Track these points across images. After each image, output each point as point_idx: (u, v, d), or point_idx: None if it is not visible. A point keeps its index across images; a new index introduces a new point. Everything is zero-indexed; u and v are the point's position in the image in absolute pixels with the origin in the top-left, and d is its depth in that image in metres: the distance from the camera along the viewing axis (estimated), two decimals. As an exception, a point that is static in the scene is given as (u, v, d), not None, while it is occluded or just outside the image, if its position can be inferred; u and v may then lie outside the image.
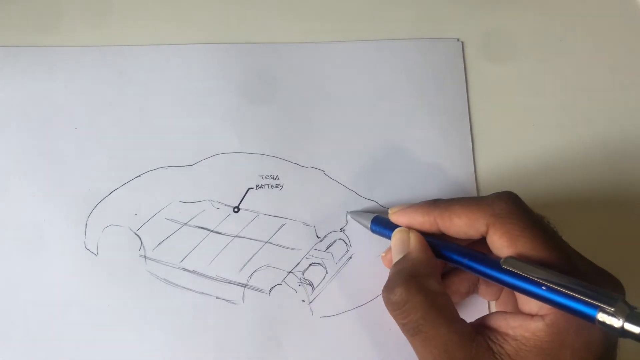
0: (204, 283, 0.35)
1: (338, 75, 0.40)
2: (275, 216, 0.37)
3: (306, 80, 0.40)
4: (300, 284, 0.35)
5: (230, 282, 0.35)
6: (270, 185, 0.37)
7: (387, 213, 0.33)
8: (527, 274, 0.26)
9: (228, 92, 0.39)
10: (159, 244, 0.36)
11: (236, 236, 0.36)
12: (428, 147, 0.39)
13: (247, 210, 0.37)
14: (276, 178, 0.37)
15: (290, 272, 0.35)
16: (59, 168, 0.37)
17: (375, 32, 0.41)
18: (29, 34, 0.40)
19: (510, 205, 0.29)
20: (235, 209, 0.37)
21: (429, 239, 0.31)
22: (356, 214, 0.36)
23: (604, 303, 0.24)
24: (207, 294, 0.35)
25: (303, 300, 0.35)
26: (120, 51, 0.40)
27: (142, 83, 0.39)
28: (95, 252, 0.36)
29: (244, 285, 0.35)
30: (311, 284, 0.35)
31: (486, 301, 0.35)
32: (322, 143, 0.38)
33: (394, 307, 0.29)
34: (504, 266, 0.27)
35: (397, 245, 0.32)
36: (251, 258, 0.36)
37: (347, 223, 0.37)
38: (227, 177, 0.37)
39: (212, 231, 0.36)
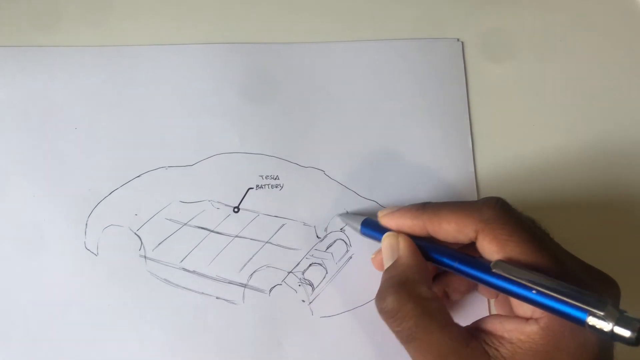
0: (204, 283, 0.35)
1: (338, 75, 0.40)
2: (276, 216, 0.37)
3: (306, 80, 0.40)
4: (300, 284, 0.35)
5: (231, 282, 0.35)
6: (270, 185, 0.37)
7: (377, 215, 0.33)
8: (516, 278, 0.26)
9: (228, 92, 0.39)
10: (159, 244, 0.36)
11: (236, 236, 0.36)
12: (428, 147, 0.39)
13: (247, 210, 0.37)
14: (276, 178, 0.37)
15: (290, 272, 0.36)
16: (59, 168, 0.37)
17: (376, 32, 0.41)
18: (29, 34, 0.40)
19: (498, 211, 0.29)
20: (236, 209, 0.37)
21: (419, 242, 0.31)
22: (346, 216, 0.36)
23: (593, 307, 0.24)
24: (207, 294, 0.35)
25: (303, 300, 0.35)
26: (120, 51, 0.40)
27: (142, 83, 0.39)
28: (96, 252, 0.36)
29: (244, 285, 0.35)
30: (311, 284, 0.35)
31: (486, 304, 0.35)
32: (322, 143, 0.38)
33: (387, 316, 0.29)
34: (494, 270, 0.27)
35: (387, 250, 0.32)
36: (251, 258, 0.36)
37: (344, 225, 0.37)
38: (227, 177, 0.37)
39: (212, 231, 0.36)
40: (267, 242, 0.36)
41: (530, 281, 0.26)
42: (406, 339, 0.28)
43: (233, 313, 0.35)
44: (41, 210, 0.36)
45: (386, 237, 0.32)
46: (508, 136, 0.39)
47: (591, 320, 0.24)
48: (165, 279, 0.35)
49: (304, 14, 0.42)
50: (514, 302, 0.28)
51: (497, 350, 0.27)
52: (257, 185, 0.37)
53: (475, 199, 0.38)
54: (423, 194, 0.37)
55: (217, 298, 0.35)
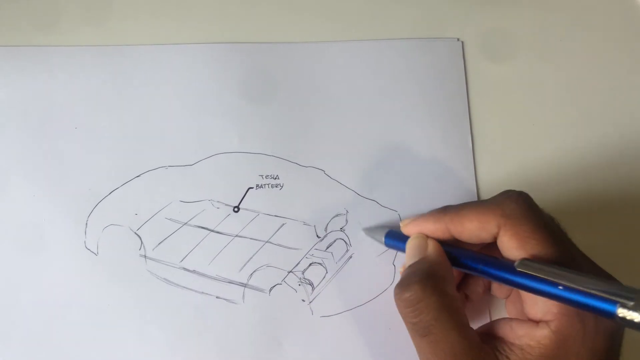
0: (204, 283, 0.35)
1: (338, 75, 0.40)
2: (276, 216, 0.37)
3: (306, 80, 0.40)
4: (300, 283, 0.35)
5: (231, 282, 0.35)
6: (270, 185, 0.37)
7: (399, 226, 0.34)
8: (542, 275, 0.26)
9: (228, 92, 0.39)
10: (159, 243, 0.36)
11: (236, 236, 0.36)
12: (428, 147, 0.39)
13: (247, 209, 0.37)
14: (276, 178, 0.37)
15: (291, 271, 0.36)
16: (59, 168, 0.37)
17: (375, 32, 0.41)
18: (29, 34, 0.40)
19: (520, 206, 0.29)
20: (235, 209, 0.37)
21: (443, 247, 0.31)
22: (370, 230, 0.36)
23: (622, 298, 0.24)
24: (207, 294, 0.35)
25: (303, 300, 0.35)
26: (120, 51, 0.40)
27: (142, 83, 0.39)
28: (96, 252, 0.36)
29: (244, 285, 0.35)
30: (311, 284, 0.35)
31: (487, 306, 0.35)
32: (322, 143, 0.38)
33: (407, 304, 0.28)
34: (518, 269, 0.27)
35: (413, 249, 0.32)
36: (251, 258, 0.36)
37: (347, 223, 0.37)
38: (227, 177, 0.37)
39: (212, 231, 0.36)
40: (267, 242, 0.36)
41: (555, 277, 0.26)
42: (421, 332, 0.28)
43: (233, 313, 0.35)
44: (41, 210, 0.36)
45: (414, 238, 0.32)
46: (508, 136, 0.39)
47: (621, 312, 0.24)
48: (165, 279, 0.35)
49: (304, 14, 0.42)
50: (527, 303, 0.28)
51: (508, 357, 0.27)
52: (257, 185, 0.37)
53: (475, 199, 0.38)
54: (423, 194, 0.37)
55: (217, 298, 0.35)
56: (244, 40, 0.41)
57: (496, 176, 0.38)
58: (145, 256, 0.36)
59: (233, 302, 0.35)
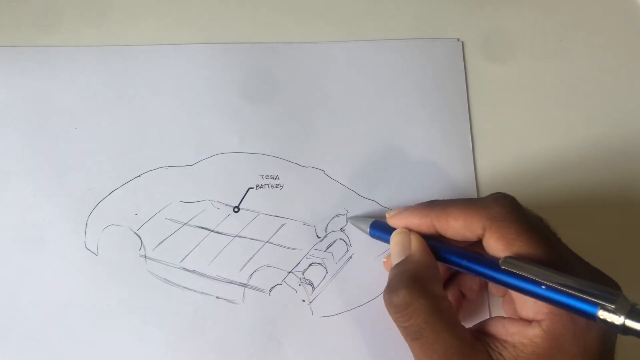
0: (204, 283, 0.35)
1: (338, 75, 0.40)
2: (276, 216, 0.37)
3: (306, 80, 0.40)
4: (300, 283, 0.35)
5: (231, 282, 0.35)
6: (270, 185, 0.37)
7: (385, 216, 0.33)
8: (525, 274, 0.26)
9: (228, 92, 0.39)
10: (159, 243, 0.36)
11: (236, 236, 0.36)
12: (428, 147, 0.39)
13: (247, 210, 0.37)
14: (276, 178, 0.37)
15: (291, 272, 0.35)
16: (59, 168, 0.37)
17: (375, 32, 0.41)
18: (29, 34, 0.40)
19: (506, 209, 0.29)
20: (236, 209, 0.37)
21: (428, 241, 0.31)
22: (355, 219, 0.36)
23: (604, 300, 0.24)
24: (207, 294, 0.35)
25: (303, 300, 0.35)
26: (120, 51, 0.40)
27: (142, 83, 0.39)
28: (96, 252, 0.36)
29: (244, 285, 0.35)
30: (311, 284, 0.35)
31: (486, 304, 0.35)
32: (322, 143, 0.38)
33: (396, 310, 0.29)
34: (502, 266, 0.27)
35: (397, 246, 0.31)
36: (251, 258, 0.36)
37: (347, 223, 0.37)
38: (227, 177, 0.37)
39: (212, 231, 0.36)
40: (267, 242, 0.36)
41: (539, 276, 0.26)
42: (413, 336, 0.28)
43: (233, 313, 0.35)
44: (41, 210, 0.36)
45: (397, 233, 0.32)
46: (508, 136, 0.39)
47: (602, 314, 0.24)
48: (165, 279, 0.35)
49: (304, 14, 0.42)
50: (518, 302, 0.28)
51: (501, 354, 0.27)
52: (257, 185, 0.37)
53: (475, 198, 0.38)
54: (423, 194, 0.37)
55: (217, 298, 0.35)
56: (244, 41, 0.41)
57: (496, 176, 0.38)
58: (145, 256, 0.36)
59: (233, 302, 0.35)
